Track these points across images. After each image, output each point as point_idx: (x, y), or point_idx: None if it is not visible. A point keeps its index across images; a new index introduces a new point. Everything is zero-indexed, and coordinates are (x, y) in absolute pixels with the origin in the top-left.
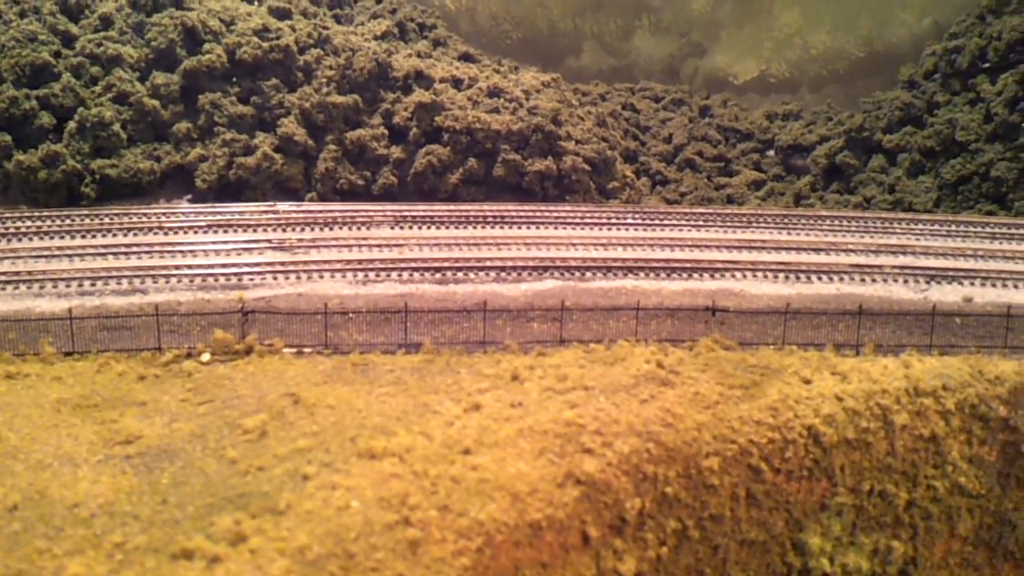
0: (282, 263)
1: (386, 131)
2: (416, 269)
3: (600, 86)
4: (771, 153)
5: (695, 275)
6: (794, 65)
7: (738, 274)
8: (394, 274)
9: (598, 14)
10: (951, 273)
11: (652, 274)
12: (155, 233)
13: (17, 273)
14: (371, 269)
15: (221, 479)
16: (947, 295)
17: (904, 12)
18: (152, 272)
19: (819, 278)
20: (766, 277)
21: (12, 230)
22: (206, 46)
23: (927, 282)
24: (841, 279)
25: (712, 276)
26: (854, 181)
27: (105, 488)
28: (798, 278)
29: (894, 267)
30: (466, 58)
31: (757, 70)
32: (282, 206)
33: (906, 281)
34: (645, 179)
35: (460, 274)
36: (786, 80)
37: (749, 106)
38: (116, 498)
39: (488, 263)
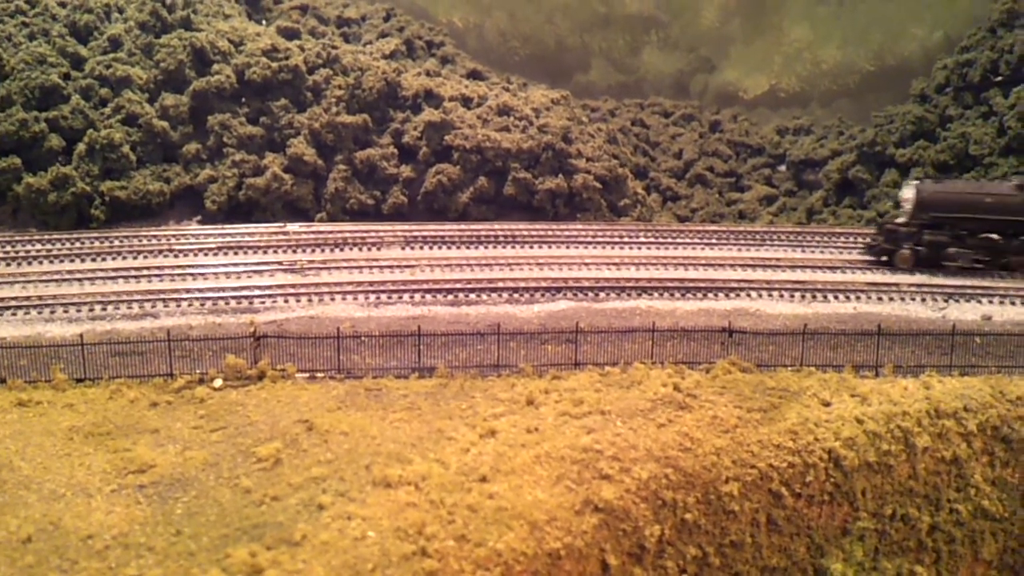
0: (293, 286)
1: (396, 150)
2: (428, 291)
3: (609, 102)
4: (782, 168)
5: (710, 295)
6: (804, 79)
7: (753, 293)
8: (406, 296)
9: (606, 30)
10: (969, 291)
11: (666, 294)
12: (165, 255)
13: (28, 298)
14: (382, 291)
15: (236, 509)
16: (965, 313)
17: (915, 26)
18: (163, 296)
19: (836, 297)
20: (782, 296)
21: (22, 253)
22: (215, 67)
23: (945, 300)
24: (858, 297)
25: (727, 295)
26: (867, 196)
27: (119, 519)
28: (814, 297)
29: (911, 285)
30: (474, 75)
31: (767, 85)
32: (292, 227)
33: (924, 299)
34: (655, 195)
35: (472, 295)
36: (796, 94)
37: (759, 121)
38: (130, 529)
39: (500, 284)
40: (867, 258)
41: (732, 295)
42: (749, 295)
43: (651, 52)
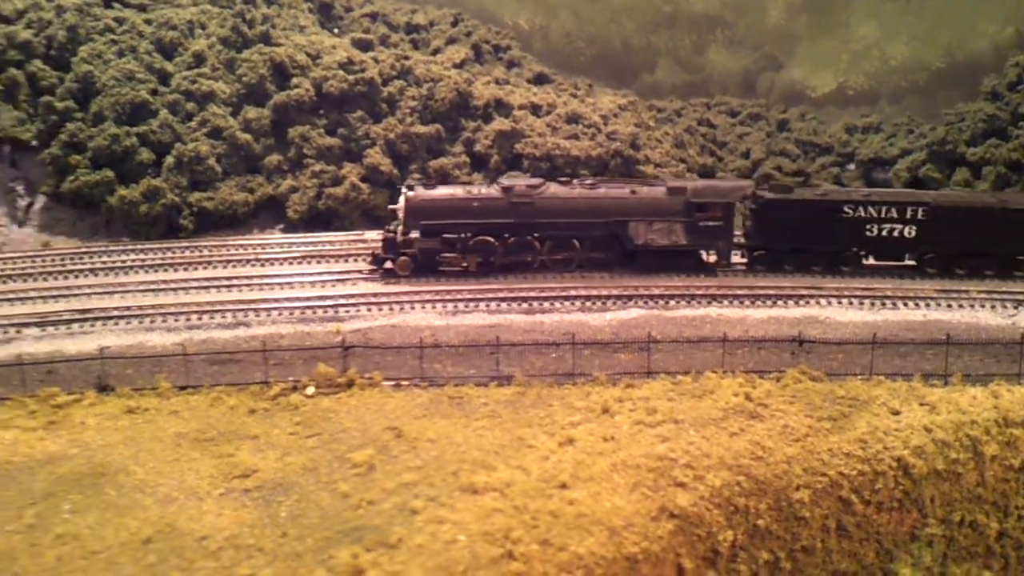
0: (375, 295)
1: (467, 159)
2: (503, 299)
3: (675, 102)
4: (851, 167)
5: (779, 302)
6: (872, 77)
7: (823, 300)
8: (482, 304)
9: (672, 30)
10: None
11: (736, 302)
12: (252, 265)
13: (128, 308)
14: (460, 300)
15: (335, 512)
16: None
17: (985, 22)
18: (254, 306)
19: (904, 304)
20: (851, 304)
21: (118, 264)
22: (294, 80)
23: (1015, 307)
24: (927, 305)
25: (796, 303)
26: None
27: (229, 521)
28: (883, 304)
29: (981, 291)
30: (540, 79)
31: (835, 82)
32: (370, 235)
33: (993, 306)
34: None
35: (546, 304)
36: (865, 92)
37: (827, 119)
38: (240, 531)
39: (573, 292)
40: (372, 267)
41: (801, 302)
42: (819, 303)
43: (717, 51)
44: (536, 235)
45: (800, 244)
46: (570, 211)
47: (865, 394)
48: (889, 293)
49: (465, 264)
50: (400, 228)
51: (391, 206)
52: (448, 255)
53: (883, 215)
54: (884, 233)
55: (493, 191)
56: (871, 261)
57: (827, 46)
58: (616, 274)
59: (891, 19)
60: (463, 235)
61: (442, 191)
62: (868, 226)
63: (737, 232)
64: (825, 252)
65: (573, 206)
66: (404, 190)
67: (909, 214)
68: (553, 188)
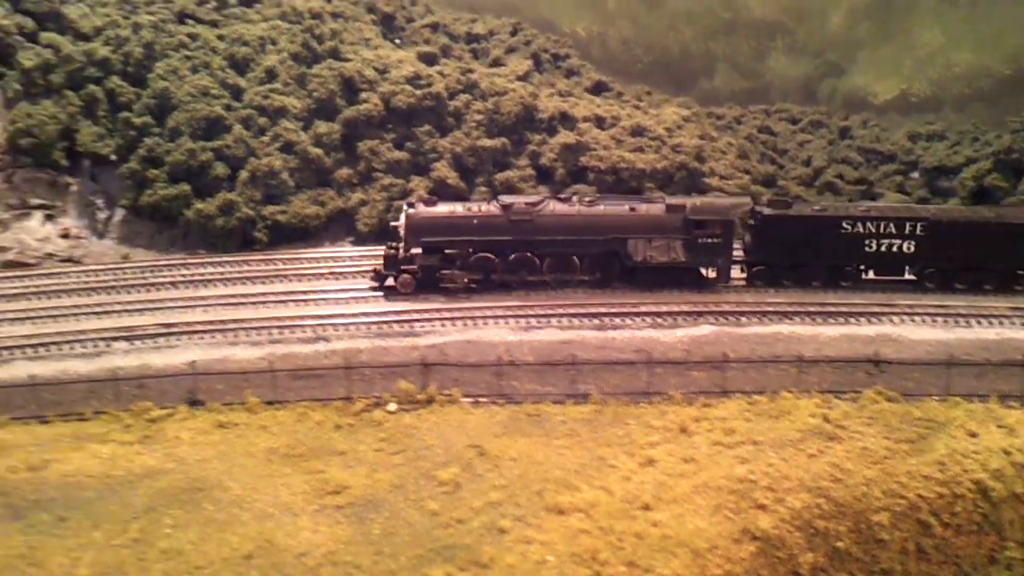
0: (449, 310)
1: (533, 171)
2: (575, 315)
3: (734, 109)
4: (915, 175)
5: (851, 320)
6: (936, 84)
7: (895, 318)
8: (554, 320)
9: (731, 36)
10: None
11: (808, 319)
12: (327, 279)
13: (211, 322)
14: (532, 316)
15: (426, 530)
16: None
17: None
18: (332, 320)
19: (978, 322)
20: (923, 321)
21: (197, 277)
22: (363, 95)
23: None
24: (1001, 323)
25: (869, 320)
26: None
27: (324, 538)
28: (957, 322)
29: None
30: (599, 87)
31: (897, 89)
32: None
33: None
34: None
35: (617, 320)
36: (928, 99)
37: (890, 126)
38: (336, 548)
39: (644, 308)
40: (374, 285)
41: (874, 320)
42: (891, 320)
43: (777, 57)
44: (536, 252)
45: (799, 260)
46: (569, 228)
47: (942, 416)
48: (963, 311)
49: (466, 281)
50: (400, 245)
51: (392, 223)
52: (448, 272)
53: (882, 231)
54: (883, 248)
55: (493, 208)
56: (871, 276)
57: (890, 53)
58: (687, 290)
59: (956, 25)
60: (463, 252)
61: (443, 208)
62: (867, 241)
63: (737, 247)
64: (824, 267)
65: (572, 223)
66: (405, 207)
67: (908, 229)
68: (552, 205)
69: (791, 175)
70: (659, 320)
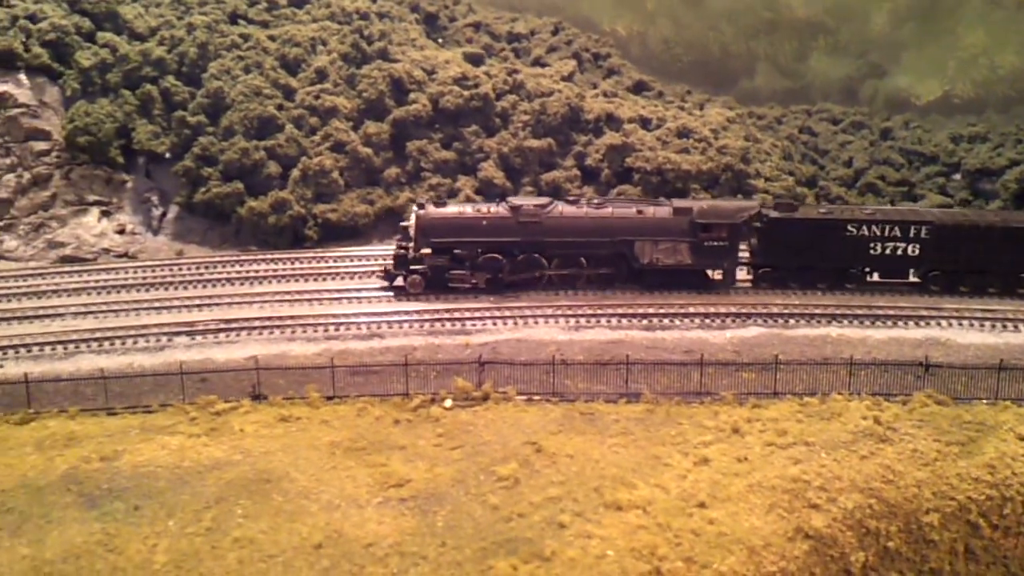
0: (499, 308)
1: (579, 172)
2: (624, 315)
3: (776, 108)
4: (957, 177)
5: (900, 323)
6: (980, 85)
7: (943, 322)
8: (603, 320)
9: (772, 36)
10: None
11: (856, 321)
12: (379, 277)
13: (269, 318)
14: (581, 315)
15: (488, 524)
16: None
17: None
18: (386, 318)
19: None
20: (972, 325)
21: (251, 273)
22: (411, 95)
23: None
24: None
25: (917, 324)
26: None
27: (390, 529)
28: (1004, 327)
29: None
30: (640, 86)
31: (940, 90)
32: None
33: None
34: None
35: (666, 320)
36: (972, 101)
37: (933, 128)
38: (402, 539)
39: (692, 309)
40: (384, 284)
41: (922, 323)
42: (939, 324)
43: (819, 58)
44: (544, 253)
45: (805, 262)
46: (577, 230)
47: (992, 419)
48: (1011, 315)
49: (475, 281)
50: (411, 245)
51: (402, 223)
52: (458, 272)
53: (887, 233)
54: (888, 251)
55: (502, 210)
56: (875, 278)
57: (933, 54)
58: (733, 292)
59: (1000, 27)
60: (472, 252)
61: (452, 209)
62: (872, 244)
63: (743, 249)
64: (829, 270)
65: (580, 225)
66: (415, 208)
67: (912, 232)
68: (560, 207)
69: (832, 175)
70: (708, 321)
